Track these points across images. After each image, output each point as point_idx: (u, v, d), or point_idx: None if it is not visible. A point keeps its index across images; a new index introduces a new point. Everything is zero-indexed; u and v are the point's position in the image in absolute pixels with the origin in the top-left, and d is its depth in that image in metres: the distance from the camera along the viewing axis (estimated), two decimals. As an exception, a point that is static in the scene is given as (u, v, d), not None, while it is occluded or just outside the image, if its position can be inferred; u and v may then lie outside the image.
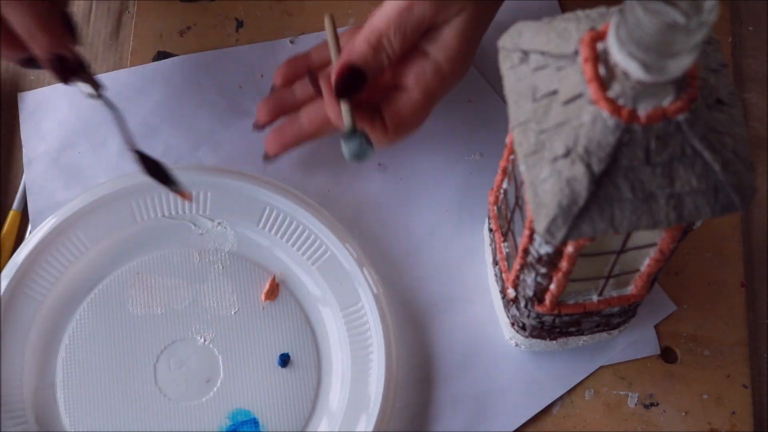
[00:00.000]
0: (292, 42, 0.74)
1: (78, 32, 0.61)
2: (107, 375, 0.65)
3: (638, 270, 0.56)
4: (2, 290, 0.64)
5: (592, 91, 0.44)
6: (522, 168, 0.47)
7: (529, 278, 0.56)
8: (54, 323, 0.66)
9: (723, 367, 0.67)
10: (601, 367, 0.67)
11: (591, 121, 0.44)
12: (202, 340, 0.66)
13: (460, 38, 0.61)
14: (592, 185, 0.45)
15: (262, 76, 0.73)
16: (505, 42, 0.49)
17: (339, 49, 0.63)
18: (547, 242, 0.51)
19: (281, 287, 0.67)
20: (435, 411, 0.65)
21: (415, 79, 0.61)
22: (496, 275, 0.64)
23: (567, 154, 0.45)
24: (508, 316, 0.63)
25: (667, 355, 0.67)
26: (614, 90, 0.44)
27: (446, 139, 0.72)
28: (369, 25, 0.60)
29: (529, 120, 0.47)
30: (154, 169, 0.62)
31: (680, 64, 0.42)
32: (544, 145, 0.46)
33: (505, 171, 0.59)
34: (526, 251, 0.54)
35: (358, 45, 0.60)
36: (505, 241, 0.61)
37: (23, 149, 0.71)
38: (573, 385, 0.66)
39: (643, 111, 0.44)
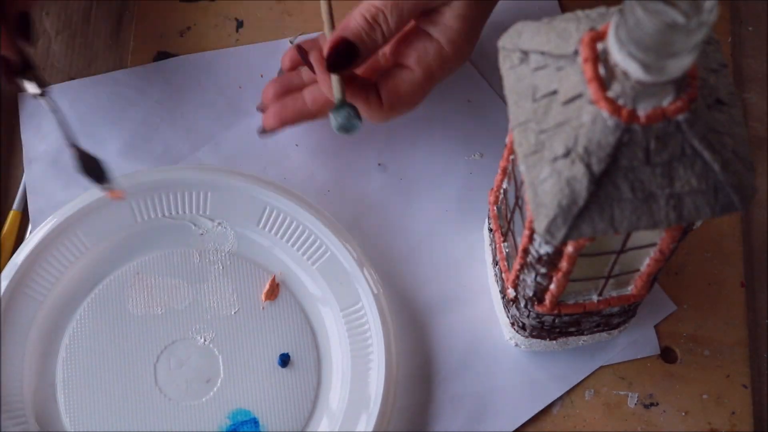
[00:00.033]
0: (291, 42, 0.74)
1: (33, 33, 0.62)
2: (107, 375, 0.65)
3: (638, 270, 0.56)
4: (2, 290, 0.64)
5: (592, 91, 0.44)
6: (522, 168, 0.47)
7: (529, 278, 0.56)
8: (54, 323, 0.66)
9: (723, 367, 0.67)
10: (601, 367, 0.67)
11: (591, 121, 0.44)
12: (202, 340, 0.66)
13: (461, 20, 0.61)
14: (592, 185, 0.45)
15: (262, 76, 0.73)
16: (505, 42, 0.49)
17: (333, 27, 0.63)
18: (547, 242, 0.51)
19: (281, 287, 0.67)
20: (435, 411, 0.65)
21: (416, 58, 0.62)
22: (496, 275, 0.64)
23: (567, 154, 0.45)
24: (508, 316, 0.63)
25: (667, 355, 0.67)
26: (614, 90, 0.44)
27: (446, 139, 0.72)
28: (366, 2, 0.60)
29: (529, 120, 0.47)
30: (92, 166, 0.63)
31: (680, 64, 0.42)
32: (544, 145, 0.46)
33: (505, 171, 0.59)
34: (526, 251, 0.54)
35: (353, 20, 0.60)
36: (505, 241, 0.61)
37: (23, 149, 0.71)
38: (573, 385, 0.66)
39: (642, 111, 0.44)
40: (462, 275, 0.68)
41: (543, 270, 0.54)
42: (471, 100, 0.73)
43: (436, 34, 0.61)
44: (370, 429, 0.62)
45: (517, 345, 0.66)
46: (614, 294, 0.58)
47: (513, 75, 0.48)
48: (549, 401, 0.66)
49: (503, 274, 0.61)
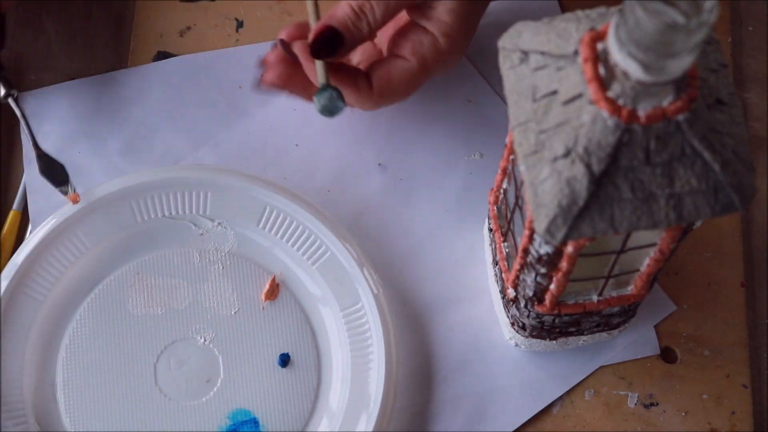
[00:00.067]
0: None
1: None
2: (107, 375, 0.65)
3: (638, 270, 0.56)
4: (2, 290, 0.64)
5: (592, 91, 0.44)
6: (522, 168, 0.47)
7: (529, 278, 0.56)
8: (54, 323, 0.66)
9: (723, 367, 0.67)
10: (601, 367, 0.67)
11: (591, 121, 0.44)
12: (202, 340, 0.66)
13: (454, 14, 0.61)
14: (592, 185, 0.45)
15: (262, 76, 0.73)
16: (505, 42, 0.49)
17: (319, 17, 0.63)
18: (547, 242, 0.51)
19: (281, 287, 0.67)
20: (435, 411, 0.65)
21: (411, 48, 0.62)
22: (496, 275, 0.64)
23: (567, 154, 0.45)
24: (508, 316, 0.63)
25: (667, 355, 0.67)
26: (614, 90, 0.44)
27: (446, 139, 0.72)
28: None
29: (529, 120, 0.47)
30: (53, 169, 0.66)
31: (680, 64, 0.42)
32: (544, 145, 0.46)
33: (505, 171, 0.59)
34: (526, 251, 0.54)
35: (340, 10, 0.60)
36: (505, 241, 0.61)
37: (23, 149, 0.71)
38: (573, 385, 0.66)
39: (642, 111, 0.44)
40: (462, 275, 0.68)
41: (543, 270, 0.54)
42: (471, 100, 0.73)
43: (430, 28, 0.62)
44: (370, 429, 0.62)
45: (517, 345, 0.66)
46: (614, 294, 0.58)
47: (513, 75, 0.49)
48: (549, 401, 0.66)
49: (503, 274, 0.61)
